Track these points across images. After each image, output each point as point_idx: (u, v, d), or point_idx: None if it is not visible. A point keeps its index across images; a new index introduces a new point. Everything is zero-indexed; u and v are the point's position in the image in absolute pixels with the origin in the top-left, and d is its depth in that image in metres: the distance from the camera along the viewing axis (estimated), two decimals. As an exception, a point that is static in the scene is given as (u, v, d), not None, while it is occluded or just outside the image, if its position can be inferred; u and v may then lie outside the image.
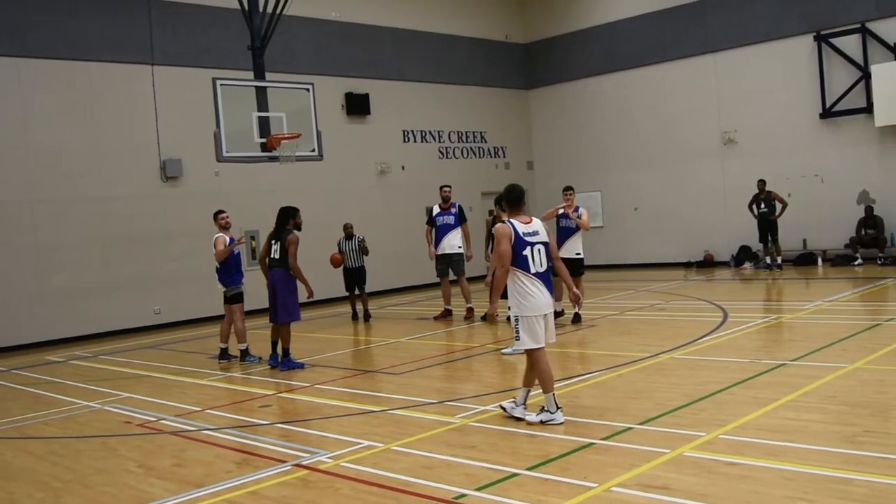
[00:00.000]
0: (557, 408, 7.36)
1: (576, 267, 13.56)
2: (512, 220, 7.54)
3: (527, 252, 7.43)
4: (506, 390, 8.81)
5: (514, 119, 26.40)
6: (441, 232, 15.64)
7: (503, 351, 11.17)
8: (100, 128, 17.54)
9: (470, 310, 15.41)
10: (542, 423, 7.33)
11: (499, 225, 7.59)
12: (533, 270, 7.43)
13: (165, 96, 18.30)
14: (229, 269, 12.40)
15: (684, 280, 19.86)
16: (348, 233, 16.76)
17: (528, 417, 7.48)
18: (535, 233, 7.53)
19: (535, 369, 7.55)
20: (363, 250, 16.66)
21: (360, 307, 17.07)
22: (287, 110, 13.94)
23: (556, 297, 13.76)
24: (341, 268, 16.49)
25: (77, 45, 17.34)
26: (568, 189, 13.87)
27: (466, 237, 15.65)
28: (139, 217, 17.96)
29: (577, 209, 13.58)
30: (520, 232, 7.45)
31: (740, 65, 21.90)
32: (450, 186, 15.95)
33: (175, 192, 18.52)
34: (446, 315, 15.75)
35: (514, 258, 7.41)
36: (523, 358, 10.66)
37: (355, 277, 16.74)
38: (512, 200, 7.69)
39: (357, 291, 16.89)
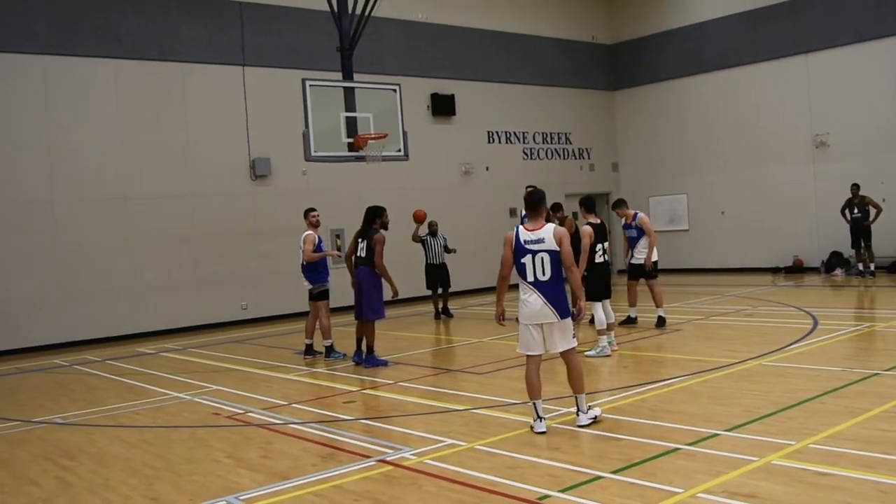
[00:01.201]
0: (539, 418, 7.36)
1: (643, 273, 13.46)
2: (519, 227, 7.50)
3: (525, 260, 7.37)
4: (588, 393, 8.72)
5: (600, 120, 26.17)
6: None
7: (587, 353, 11.09)
8: (192, 127, 18.02)
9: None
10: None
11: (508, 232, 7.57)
12: (530, 279, 7.39)
13: (255, 96, 18.70)
14: (315, 266, 12.61)
15: (772, 285, 19.42)
16: (433, 230, 16.92)
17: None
18: (540, 240, 7.35)
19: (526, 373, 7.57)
20: (448, 249, 16.84)
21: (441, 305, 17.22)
22: (374, 111, 14.07)
23: (630, 303, 13.72)
24: (424, 267, 16.75)
25: (171, 47, 17.85)
26: (616, 205, 13.98)
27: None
28: (228, 215, 18.39)
29: (635, 217, 13.56)
30: (521, 239, 7.39)
31: (834, 65, 21.30)
32: (533, 187, 15.85)
33: (264, 190, 18.90)
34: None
35: (514, 265, 7.44)
36: (606, 361, 10.69)
37: (438, 275, 16.91)
38: (528, 204, 7.57)
39: (440, 290, 17.03)
